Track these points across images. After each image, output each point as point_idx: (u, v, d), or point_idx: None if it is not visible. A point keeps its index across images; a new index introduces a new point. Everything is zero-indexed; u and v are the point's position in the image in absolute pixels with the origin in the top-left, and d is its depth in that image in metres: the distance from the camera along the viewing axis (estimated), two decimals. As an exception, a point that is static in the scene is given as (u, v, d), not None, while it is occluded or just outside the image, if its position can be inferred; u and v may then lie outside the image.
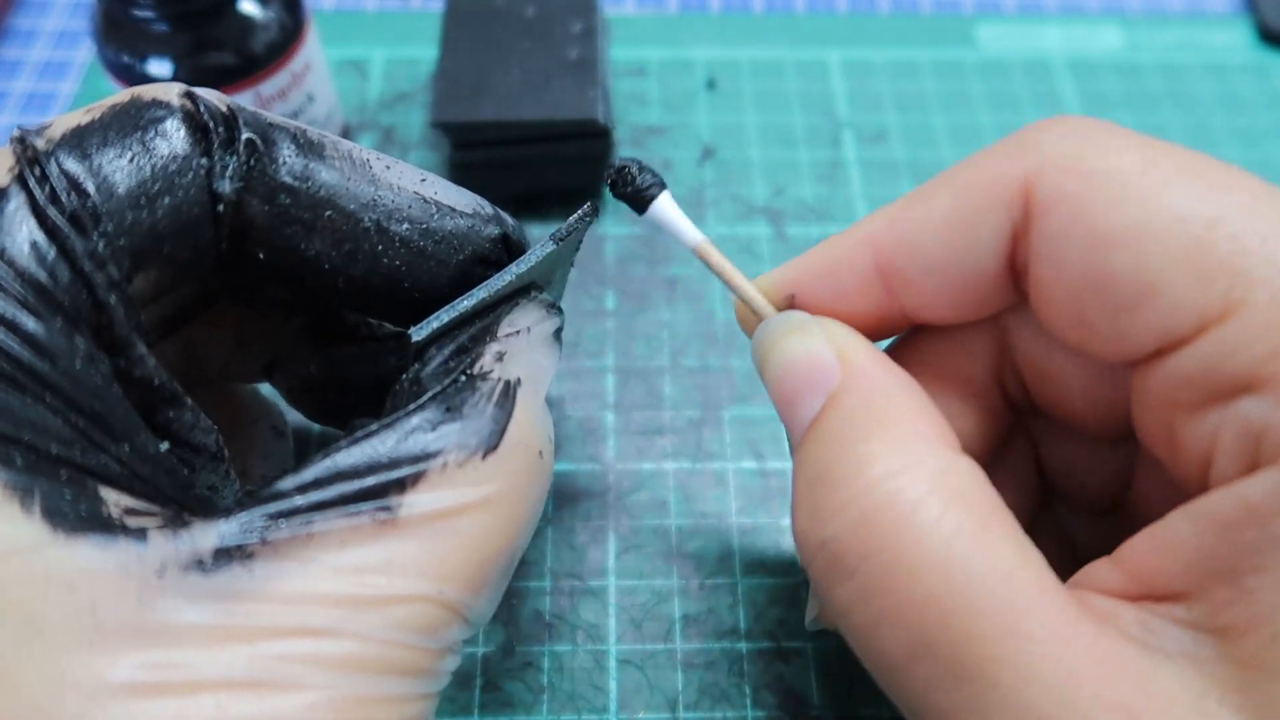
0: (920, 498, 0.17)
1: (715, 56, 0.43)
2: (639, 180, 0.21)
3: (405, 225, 0.20)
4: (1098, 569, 0.18)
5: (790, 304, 0.21)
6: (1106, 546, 0.22)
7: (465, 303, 0.20)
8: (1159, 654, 0.16)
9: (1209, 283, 0.16)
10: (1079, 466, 0.22)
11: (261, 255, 0.20)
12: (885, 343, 0.23)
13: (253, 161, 0.19)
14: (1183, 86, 0.43)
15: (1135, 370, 0.17)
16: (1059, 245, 0.17)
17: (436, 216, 0.21)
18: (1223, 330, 0.16)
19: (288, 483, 0.17)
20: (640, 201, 0.21)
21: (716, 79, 0.42)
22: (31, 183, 0.17)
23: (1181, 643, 0.16)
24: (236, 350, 0.24)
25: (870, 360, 0.19)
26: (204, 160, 0.19)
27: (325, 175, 0.20)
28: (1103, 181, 0.17)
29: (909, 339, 0.22)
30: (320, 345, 0.24)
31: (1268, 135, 0.41)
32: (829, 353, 0.19)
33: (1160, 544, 0.16)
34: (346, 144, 0.21)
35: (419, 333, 0.20)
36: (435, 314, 0.20)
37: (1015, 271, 0.19)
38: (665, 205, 0.21)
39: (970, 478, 0.17)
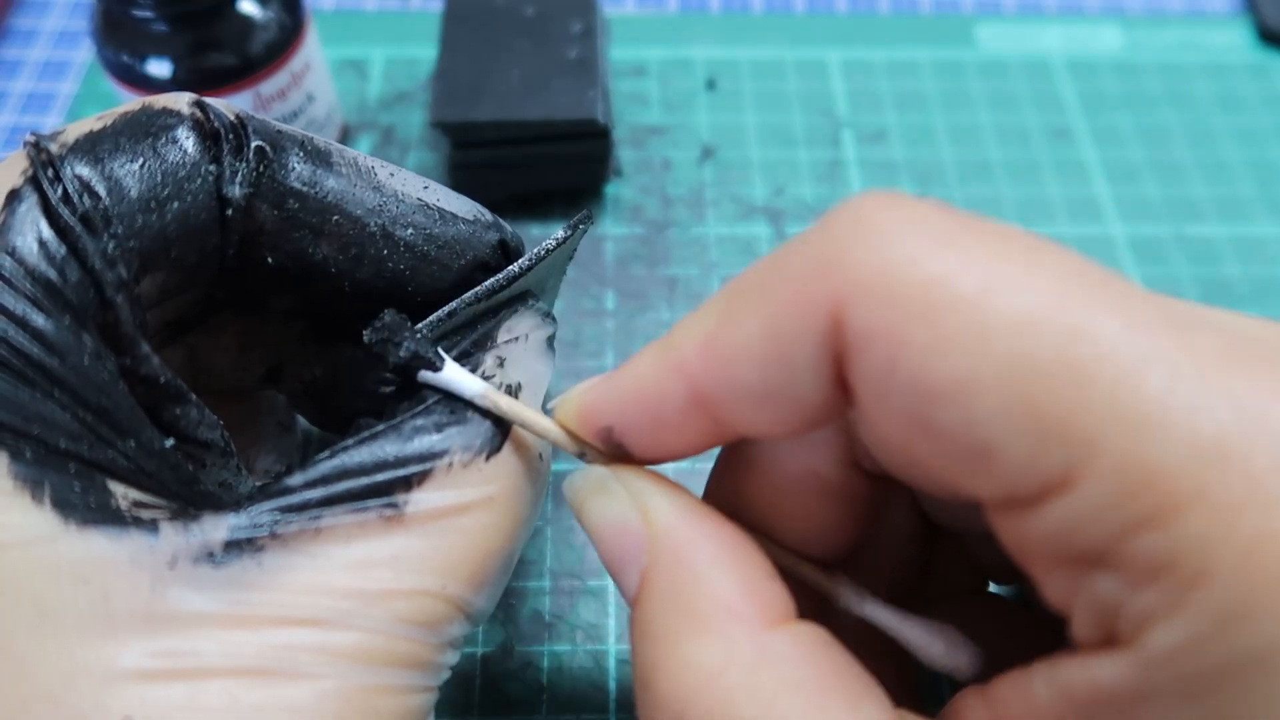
0: (738, 707, 0.16)
1: (715, 56, 0.43)
2: (402, 350, 0.19)
3: (410, 230, 0.21)
4: (969, 703, 0.16)
5: (607, 436, 0.19)
6: (1010, 567, 0.21)
7: (457, 305, 0.20)
8: None
9: (1046, 447, 0.13)
10: (959, 514, 0.21)
11: (270, 260, 0.20)
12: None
13: (262, 168, 0.19)
14: (1183, 86, 0.43)
15: (988, 513, 0.15)
16: (879, 391, 0.15)
17: (439, 223, 0.21)
18: (1067, 501, 0.13)
19: (296, 479, 0.17)
20: (406, 371, 0.19)
21: (716, 79, 0.42)
22: (45, 184, 0.17)
23: None
24: (240, 357, 0.25)
25: (678, 522, 0.18)
26: (212, 167, 0.19)
27: (332, 181, 0.20)
28: (920, 315, 0.14)
29: (747, 443, 0.19)
30: (324, 348, 0.24)
31: (1268, 135, 0.41)
32: (635, 519, 0.18)
33: (1023, 699, 0.15)
34: (351, 152, 0.21)
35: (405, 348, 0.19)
36: (426, 320, 0.20)
37: (846, 388, 0.16)
38: (438, 374, 0.19)
39: (791, 656, 0.16)
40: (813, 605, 0.18)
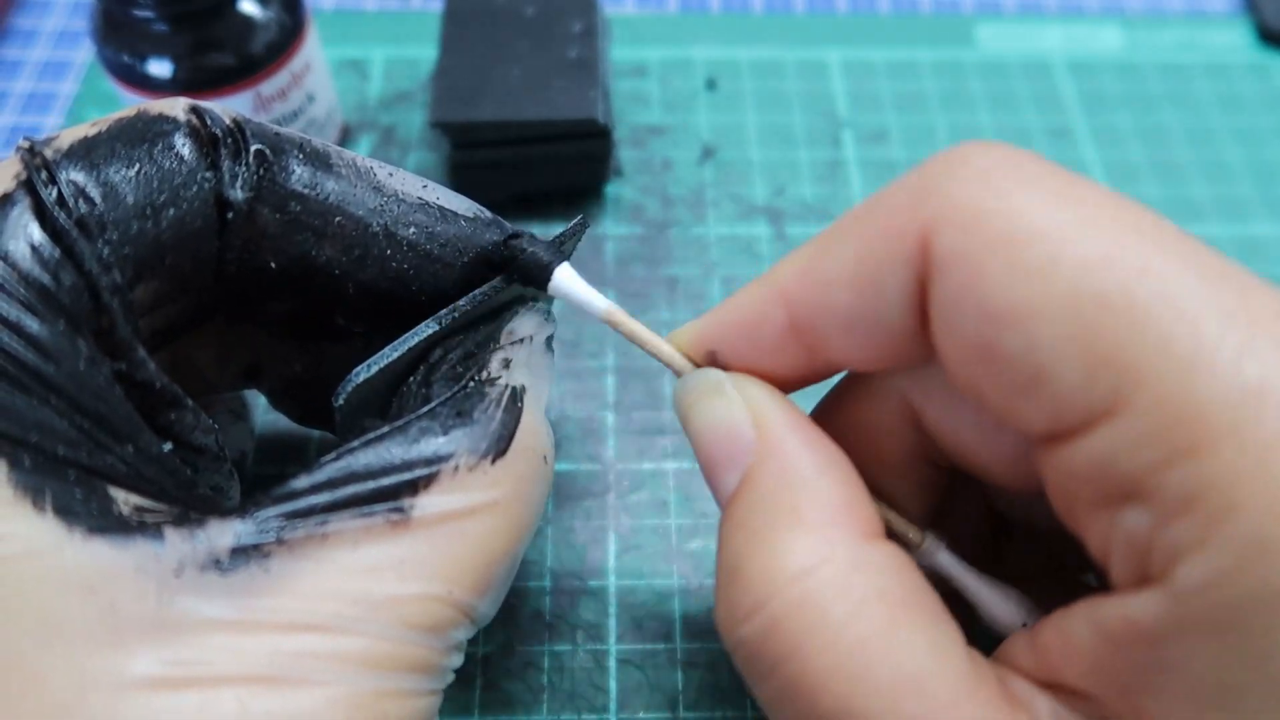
0: (828, 601, 0.16)
1: (715, 56, 0.43)
2: (532, 255, 0.20)
3: (412, 229, 0.21)
4: (1017, 645, 0.17)
5: (712, 360, 0.20)
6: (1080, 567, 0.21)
7: (393, 353, 0.20)
8: None
9: (1096, 375, 0.14)
10: (1027, 512, 0.21)
11: (273, 264, 0.20)
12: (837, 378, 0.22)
13: (263, 171, 0.19)
14: (1183, 86, 0.43)
15: (1036, 449, 0.16)
16: (953, 313, 0.16)
17: (440, 221, 0.21)
18: (1108, 430, 0.14)
19: (302, 481, 0.17)
20: (538, 278, 0.20)
21: (716, 79, 0.42)
22: (40, 188, 0.17)
23: None
24: (221, 359, 0.24)
25: (788, 431, 0.18)
26: (209, 174, 0.19)
27: (333, 183, 0.20)
28: (999, 245, 0.15)
29: (843, 392, 0.21)
30: (303, 345, 0.24)
31: (1268, 135, 0.41)
32: (746, 422, 0.19)
33: (1064, 640, 0.16)
34: (349, 153, 0.21)
35: (341, 394, 0.20)
36: (361, 365, 0.20)
37: (925, 318, 0.17)
38: (565, 277, 0.20)
39: (884, 569, 0.17)
40: None
